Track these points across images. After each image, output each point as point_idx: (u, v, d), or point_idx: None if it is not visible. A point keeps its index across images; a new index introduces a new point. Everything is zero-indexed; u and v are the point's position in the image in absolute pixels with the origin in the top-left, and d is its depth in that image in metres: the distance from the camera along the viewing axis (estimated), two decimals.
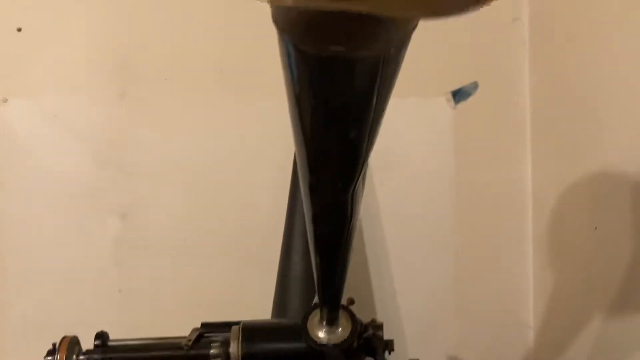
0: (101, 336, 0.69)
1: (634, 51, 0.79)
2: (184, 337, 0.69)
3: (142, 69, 1.04)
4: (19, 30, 1.01)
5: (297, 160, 0.42)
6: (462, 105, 1.07)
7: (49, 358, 0.66)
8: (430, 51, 1.01)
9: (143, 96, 1.04)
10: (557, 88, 1.00)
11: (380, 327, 0.64)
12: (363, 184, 0.43)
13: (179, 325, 0.72)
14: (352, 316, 0.58)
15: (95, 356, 0.68)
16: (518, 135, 1.08)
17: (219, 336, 0.68)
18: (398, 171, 1.06)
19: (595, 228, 0.87)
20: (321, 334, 0.58)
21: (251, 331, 0.65)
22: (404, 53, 0.34)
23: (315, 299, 0.58)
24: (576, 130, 0.93)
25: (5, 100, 1.02)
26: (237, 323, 0.67)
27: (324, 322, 0.57)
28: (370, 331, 0.64)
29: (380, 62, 0.32)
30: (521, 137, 1.08)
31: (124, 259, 1.03)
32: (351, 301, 0.61)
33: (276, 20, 0.31)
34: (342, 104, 0.35)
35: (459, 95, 1.06)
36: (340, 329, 0.58)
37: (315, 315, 0.58)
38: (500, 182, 1.08)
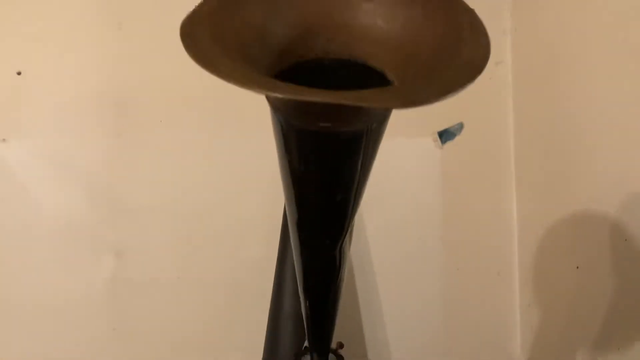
0: None
1: (615, 92, 0.82)
2: None
3: (137, 111, 1.06)
4: (19, 73, 1.04)
5: (288, 217, 0.44)
6: (449, 144, 1.10)
7: None
8: None
9: (138, 137, 1.06)
10: (540, 129, 1.04)
11: None
12: (350, 238, 0.46)
13: None
14: None
15: None
16: (503, 176, 1.11)
17: None
18: (387, 209, 1.09)
19: (577, 267, 0.90)
20: None
21: None
22: (386, 125, 0.37)
23: (306, 343, 0.60)
24: (558, 170, 0.96)
25: (4, 140, 1.04)
26: None
27: None
28: None
29: (363, 134, 0.36)
30: (506, 177, 1.11)
31: (118, 297, 1.04)
32: (340, 345, 0.63)
33: (268, 98, 0.35)
34: (329, 170, 0.38)
35: (445, 135, 1.09)
36: None
37: (306, 359, 0.60)
38: (487, 221, 1.11)
